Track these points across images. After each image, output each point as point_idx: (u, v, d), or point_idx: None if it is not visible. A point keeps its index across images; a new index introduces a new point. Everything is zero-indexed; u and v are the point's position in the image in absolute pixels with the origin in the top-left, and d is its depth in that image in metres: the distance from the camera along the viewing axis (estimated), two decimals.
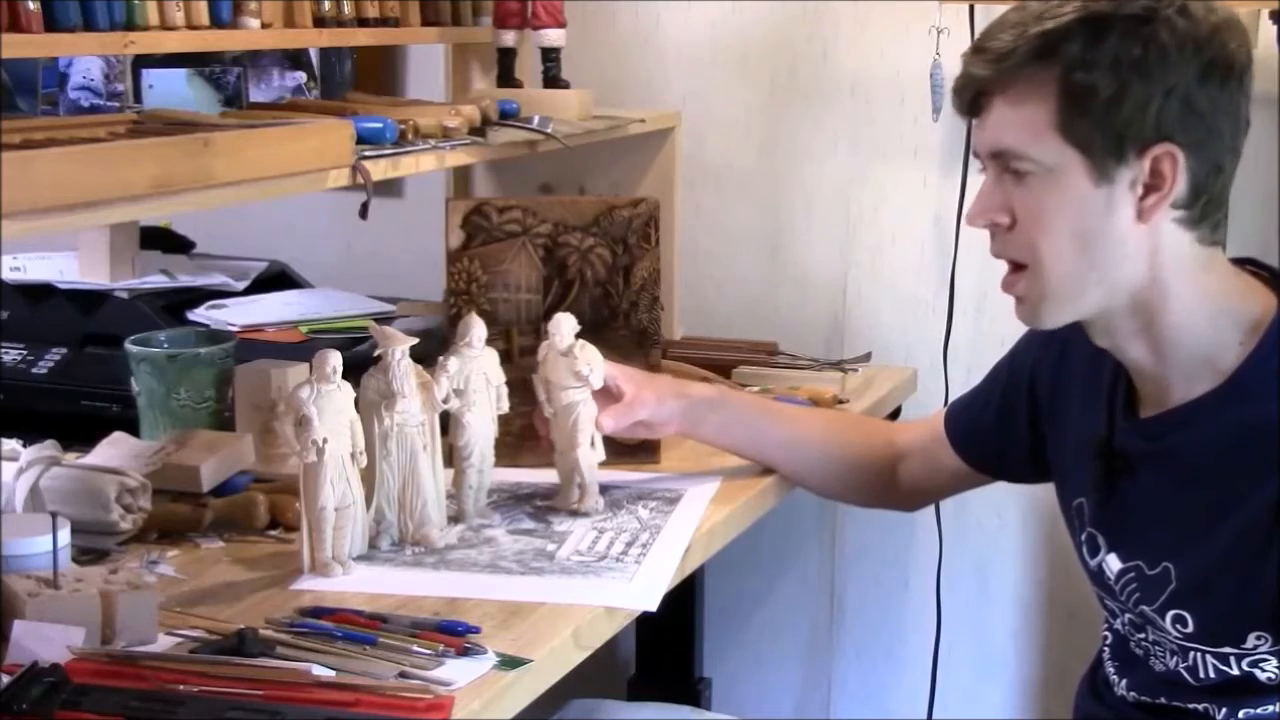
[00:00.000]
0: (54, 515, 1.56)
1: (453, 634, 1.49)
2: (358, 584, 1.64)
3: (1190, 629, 1.58)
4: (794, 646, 2.82)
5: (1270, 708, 1.58)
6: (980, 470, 1.92)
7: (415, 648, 1.46)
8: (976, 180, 2.52)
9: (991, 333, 2.54)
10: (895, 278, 2.66)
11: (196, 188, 1.53)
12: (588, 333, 1.89)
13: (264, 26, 1.85)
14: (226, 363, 2.03)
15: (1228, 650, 1.57)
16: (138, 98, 2.84)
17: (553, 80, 2.31)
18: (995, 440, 1.87)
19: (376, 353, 1.74)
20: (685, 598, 2.48)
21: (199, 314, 2.35)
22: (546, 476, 1.96)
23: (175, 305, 2.37)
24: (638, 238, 2.05)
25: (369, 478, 1.71)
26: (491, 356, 1.83)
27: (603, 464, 1.88)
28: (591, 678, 1.84)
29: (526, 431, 2.01)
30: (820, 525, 2.76)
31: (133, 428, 1.99)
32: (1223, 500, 1.55)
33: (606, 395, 1.90)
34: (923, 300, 2.65)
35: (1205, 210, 1.53)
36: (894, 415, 2.45)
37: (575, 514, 1.86)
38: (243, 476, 1.91)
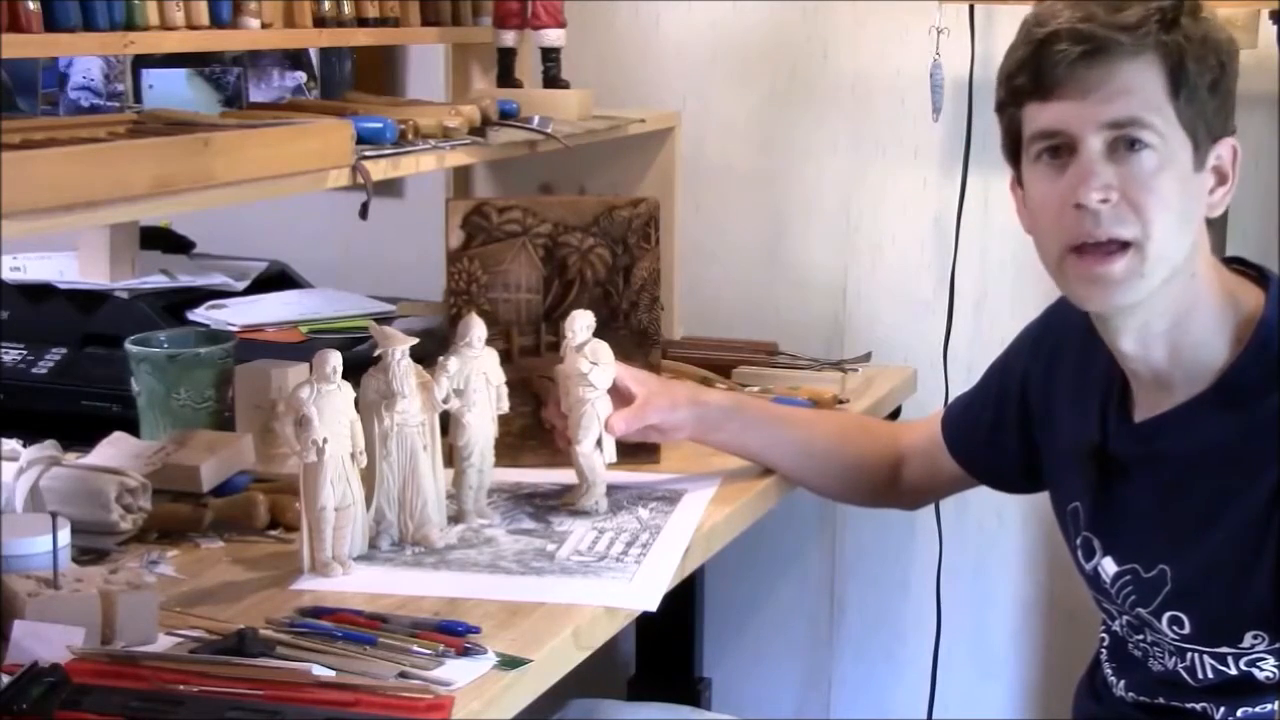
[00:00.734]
0: (54, 515, 1.56)
1: (453, 634, 1.49)
2: (358, 584, 1.64)
3: (1187, 630, 1.58)
4: (794, 646, 2.82)
5: (1269, 706, 1.58)
6: (977, 477, 1.92)
7: (415, 648, 1.46)
8: (976, 180, 2.55)
9: (991, 333, 2.54)
10: (895, 278, 2.66)
11: (196, 188, 1.53)
12: None
13: (264, 26, 1.85)
14: (226, 363, 2.03)
15: (1225, 650, 1.57)
16: (138, 98, 2.84)
17: (553, 80, 2.30)
18: (989, 450, 1.87)
19: (376, 353, 1.74)
20: (685, 598, 2.48)
21: (199, 314, 2.35)
22: (546, 476, 1.97)
23: (175, 305, 2.37)
24: (638, 238, 2.05)
25: (369, 478, 1.71)
26: (491, 356, 1.83)
27: (610, 465, 1.88)
28: (591, 678, 1.84)
29: (527, 431, 2.01)
30: (820, 525, 2.76)
31: (133, 428, 1.99)
32: (1216, 501, 1.55)
33: (621, 398, 1.90)
34: (923, 300, 2.65)
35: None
36: (894, 415, 2.45)
37: (576, 511, 1.86)
38: (243, 476, 1.91)
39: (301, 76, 2.87)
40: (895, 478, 1.99)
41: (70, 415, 2.18)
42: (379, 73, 2.84)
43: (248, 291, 2.48)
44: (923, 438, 1.96)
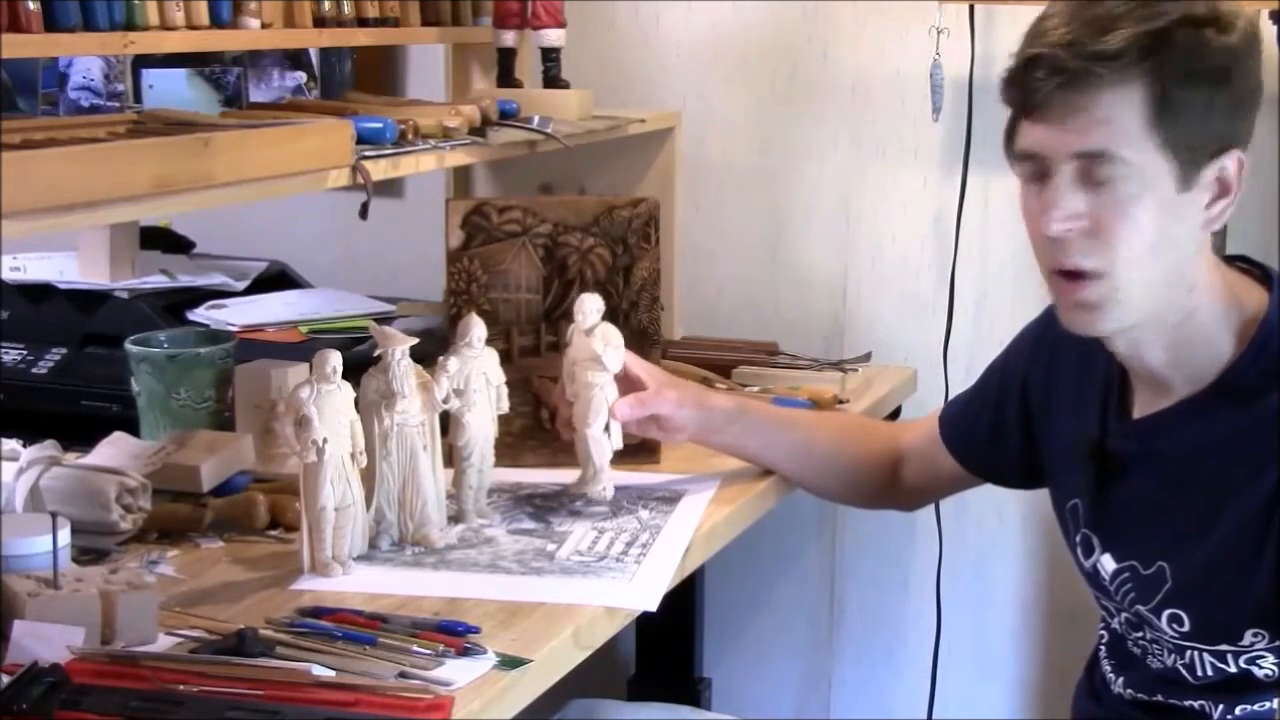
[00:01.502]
0: (54, 515, 1.56)
1: (453, 634, 1.49)
2: (358, 584, 1.64)
3: (1186, 628, 1.58)
4: (794, 646, 2.82)
5: (1268, 704, 1.58)
6: (976, 474, 1.92)
7: (415, 648, 1.46)
8: (976, 180, 2.55)
9: (991, 333, 2.54)
10: (895, 278, 2.66)
11: (196, 188, 1.53)
12: None
13: (264, 26, 1.85)
14: (226, 363, 2.03)
15: (1225, 648, 1.57)
16: (138, 98, 2.84)
17: (553, 80, 2.31)
18: (989, 448, 1.87)
19: (376, 353, 1.74)
20: (685, 598, 2.48)
21: (199, 314, 2.35)
22: (546, 476, 1.97)
23: (175, 305, 2.37)
24: (638, 238, 2.05)
25: (369, 478, 1.71)
26: (491, 356, 1.83)
27: (616, 453, 1.87)
28: (591, 678, 1.84)
29: (527, 431, 2.02)
30: (820, 525, 2.76)
31: (133, 428, 1.99)
32: (1215, 499, 1.56)
33: (629, 386, 1.89)
34: (923, 300, 2.65)
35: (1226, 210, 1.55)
36: (894, 415, 2.45)
37: (583, 497, 1.85)
38: (243, 476, 1.91)
39: (301, 76, 2.87)
40: (894, 478, 1.99)
41: (70, 415, 2.18)
42: (379, 73, 2.84)
43: (248, 291, 2.48)
44: (921, 437, 1.96)
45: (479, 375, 1.81)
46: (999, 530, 2.67)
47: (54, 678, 1.31)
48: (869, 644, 2.78)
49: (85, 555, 1.67)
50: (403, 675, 1.41)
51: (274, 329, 2.33)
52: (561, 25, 2.29)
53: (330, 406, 1.63)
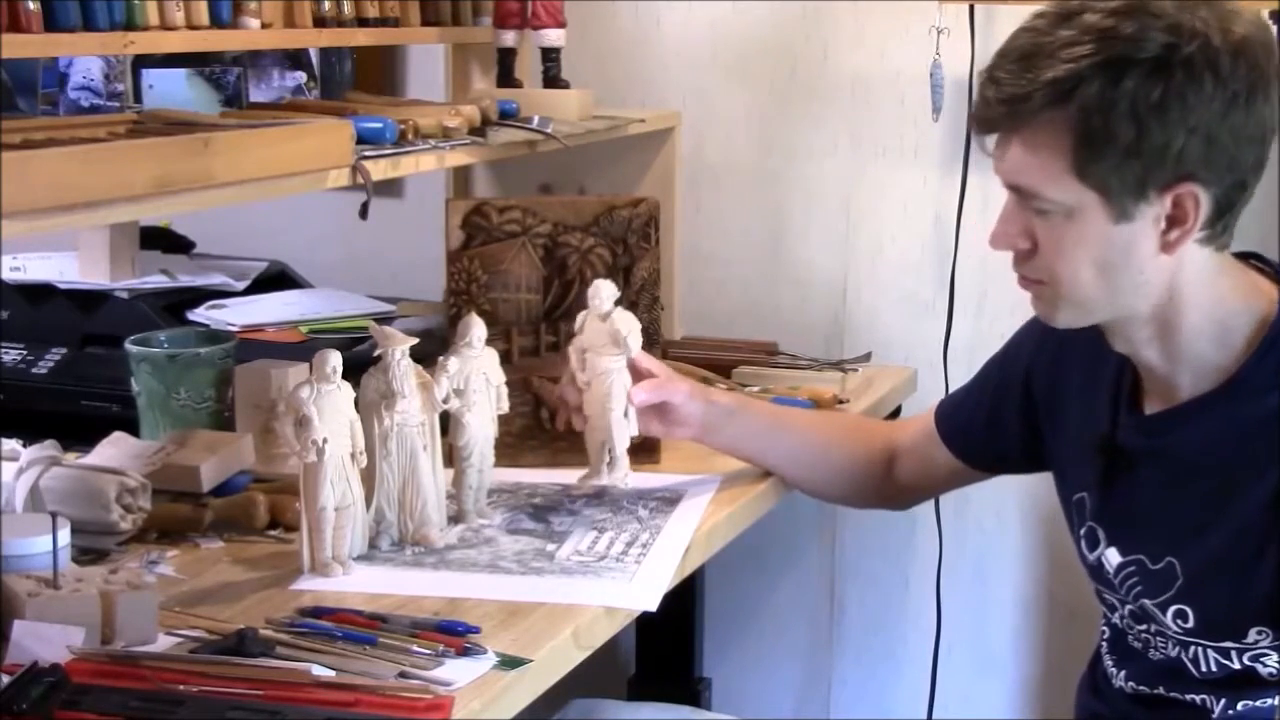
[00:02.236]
0: (54, 515, 1.56)
1: (453, 634, 1.49)
2: (358, 584, 1.64)
3: (1191, 624, 1.59)
4: (794, 646, 2.82)
5: (1269, 701, 1.58)
6: (974, 466, 1.92)
7: (415, 648, 1.46)
8: (976, 180, 2.55)
9: (991, 333, 2.53)
10: (895, 278, 2.66)
11: (196, 188, 1.53)
12: None
13: (264, 26, 1.85)
14: (226, 363, 2.03)
15: (1229, 645, 1.57)
16: (138, 98, 2.84)
17: (553, 80, 2.31)
18: (988, 437, 1.87)
19: (376, 353, 1.74)
20: (685, 598, 2.48)
21: (199, 314, 2.35)
22: (546, 476, 1.97)
23: (175, 305, 2.37)
24: (638, 238, 2.05)
25: (369, 478, 1.71)
26: (491, 356, 1.83)
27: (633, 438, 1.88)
28: (591, 678, 1.84)
29: (527, 431, 2.02)
30: (820, 525, 2.76)
31: (133, 428, 1.99)
32: (1223, 496, 1.56)
33: (636, 374, 1.89)
34: (923, 300, 2.65)
35: (1226, 224, 1.53)
36: (894, 415, 2.45)
37: (604, 487, 1.86)
38: (243, 476, 1.91)
39: (301, 76, 2.87)
40: (889, 476, 1.99)
41: (70, 415, 2.18)
42: (379, 73, 2.84)
43: (248, 291, 2.48)
44: (916, 434, 1.96)
45: (479, 375, 1.81)
46: (999, 530, 2.67)
47: (54, 678, 1.31)
48: (869, 644, 2.78)
49: (85, 555, 1.67)
50: (403, 675, 1.41)
51: (274, 329, 2.33)
52: (561, 25, 2.29)
53: (330, 406, 1.63)
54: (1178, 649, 1.62)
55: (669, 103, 2.66)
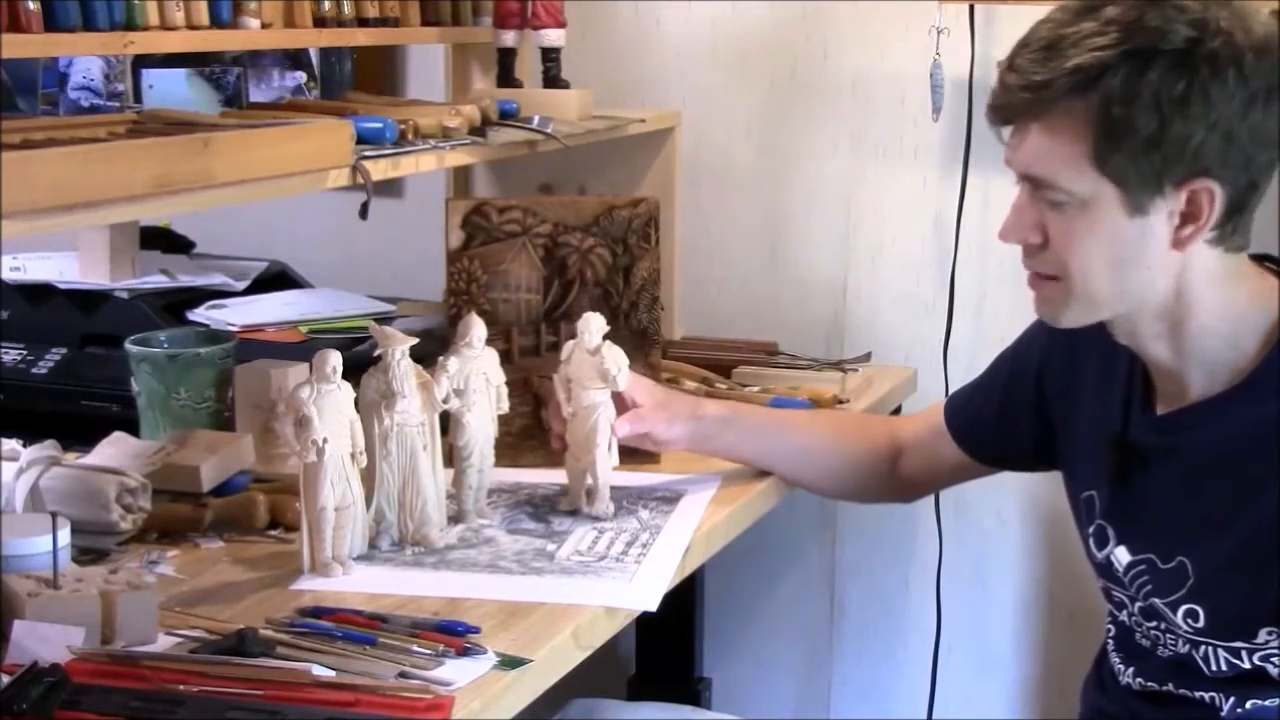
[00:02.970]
0: (54, 515, 1.56)
1: (453, 634, 1.49)
2: (358, 584, 1.64)
3: (1201, 623, 1.59)
4: (794, 646, 2.82)
5: (1278, 700, 1.58)
6: (982, 462, 1.92)
7: (415, 648, 1.46)
8: (977, 180, 2.55)
9: (991, 333, 2.53)
10: (895, 278, 2.66)
11: (196, 188, 1.53)
12: None
13: (264, 26, 1.85)
14: (226, 363, 2.03)
15: (1239, 644, 1.57)
16: (138, 98, 2.84)
17: (553, 80, 2.30)
18: (997, 433, 1.87)
19: (376, 353, 1.74)
20: (685, 598, 2.48)
21: (199, 314, 2.35)
22: (546, 477, 1.96)
23: (175, 305, 2.37)
24: (638, 238, 2.05)
25: (369, 478, 1.71)
26: (491, 356, 1.83)
27: (615, 468, 1.88)
28: (591, 678, 1.84)
29: (526, 431, 2.01)
30: (820, 525, 2.75)
31: (133, 428, 1.99)
32: (1236, 497, 1.56)
33: (620, 402, 1.89)
34: (923, 300, 2.65)
35: (1237, 225, 1.53)
36: (894, 415, 2.45)
37: (583, 517, 1.85)
38: (243, 476, 1.91)
39: (301, 76, 2.87)
40: (892, 471, 1.99)
41: (70, 415, 2.18)
42: (379, 73, 2.84)
43: (248, 291, 2.48)
44: (921, 429, 1.96)
45: (479, 375, 1.81)
46: (999, 530, 2.67)
47: (54, 678, 1.31)
48: (869, 644, 2.78)
49: (85, 555, 1.67)
50: (403, 675, 1.41)
51: (274, 329, 2.33)
52: (561, 25, 2.29)
53: (330, 406, 1.63)
54: (1188, 647, 1.61)
55: (669, 103, 2.66)
